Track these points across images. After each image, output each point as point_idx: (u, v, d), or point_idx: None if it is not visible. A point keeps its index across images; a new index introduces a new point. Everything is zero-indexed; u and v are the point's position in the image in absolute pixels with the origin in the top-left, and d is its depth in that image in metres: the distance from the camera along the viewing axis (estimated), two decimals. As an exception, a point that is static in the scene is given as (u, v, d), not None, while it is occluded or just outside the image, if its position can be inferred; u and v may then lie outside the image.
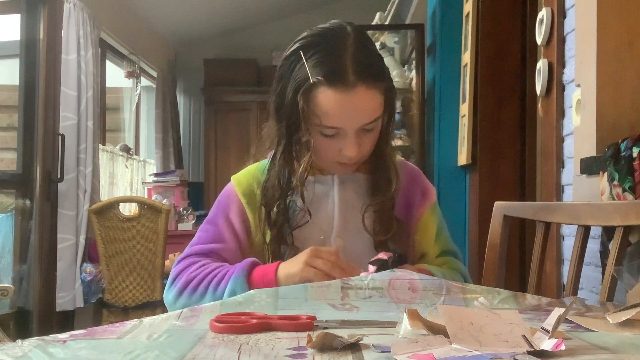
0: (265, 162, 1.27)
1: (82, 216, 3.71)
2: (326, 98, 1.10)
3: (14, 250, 3.41)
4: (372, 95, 1.12)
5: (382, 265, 1.02)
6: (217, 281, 1.13)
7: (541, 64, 1.96)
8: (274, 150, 1.23)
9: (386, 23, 4.45)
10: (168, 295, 1.18)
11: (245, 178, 1.27)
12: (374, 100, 1.13)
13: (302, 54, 1.13)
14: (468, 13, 3.08)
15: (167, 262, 3.80)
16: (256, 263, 1.14)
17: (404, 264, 1.05)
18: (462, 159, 3.10)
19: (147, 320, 0.83)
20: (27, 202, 3.39)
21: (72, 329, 0.80)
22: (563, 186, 1.88)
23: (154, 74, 5.72)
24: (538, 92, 2.00)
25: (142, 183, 5.22)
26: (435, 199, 1.31)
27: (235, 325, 0.77)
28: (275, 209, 1.20)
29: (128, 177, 5.09)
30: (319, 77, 1.10)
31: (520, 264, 2.70)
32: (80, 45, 3.82)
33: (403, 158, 1.42)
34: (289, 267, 1.10)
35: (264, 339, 0.73)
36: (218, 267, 1.16)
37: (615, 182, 1.32)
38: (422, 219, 1.26)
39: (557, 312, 0.68)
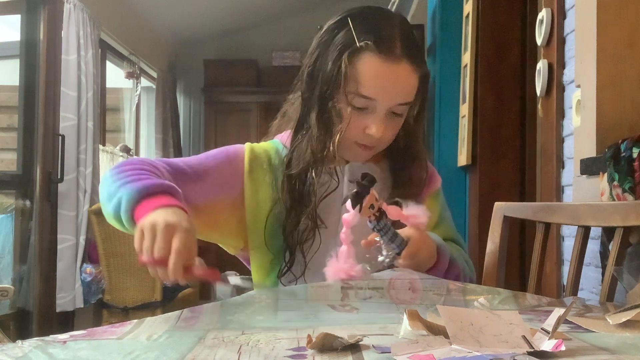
0: (277, 142, 1.23)
1: (82, 217, 3.72)
2: (370, 65, 1.07)
3: (14, 251, 3.41)
4: (412, 74, 1.10)
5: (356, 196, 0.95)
6: (117, 184, 0.99)
7: (541, 65, 1.96)
8: (289, 130, 1.19)
9: (386, 24, 4.45)
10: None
11: (260, 150, 1.20)
12: (412, 81, 1.11)
13: (349, 20, 1.10)
14: (468, 13, 3.08)
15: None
16: (156, 192, 0.96)
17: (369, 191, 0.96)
18: (462, 159, 3.10)
19: (147, 320, 0.83)
20: (27, 202, 3.39)
21: (72, 330, 0.80)
22: (563, 187, 1.88)
23: (154, 74, 5.72)
24: (538, 93, 2.01)
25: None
26: (439, 186, 1.28)
27: None
28: (305, 176, 1.14)
29: (128, 177, 5.09)
30: (368, 42, 1.07)
31: (520, 265, 2.70)
32: (81, 45, 3.82)
33: None
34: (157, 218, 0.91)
35: (264, 340, 0.73)
36: (138, 172, 1.01)
37: (615, 183, 1.32)
38: (424, 205, 1.21)
39: (557, 312, 0.68)
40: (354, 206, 0.95)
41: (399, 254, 0.99)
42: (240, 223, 1.18)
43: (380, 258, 1.00)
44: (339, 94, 1.09)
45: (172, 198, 0.96)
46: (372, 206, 0.95)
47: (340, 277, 0.97)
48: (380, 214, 0.96)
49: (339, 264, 0.98)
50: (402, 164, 1.21)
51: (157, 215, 0.90)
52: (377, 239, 1.00)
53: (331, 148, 1.11)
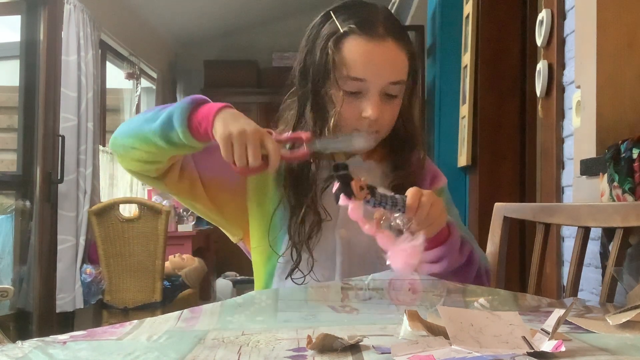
0: None
1: (82, 217, 3.71)
2: (355, 46, 1.10)
3: (13, 252, 3.41)
4: (400, 53, 1.12)
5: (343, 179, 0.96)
6: (157, 110, 1.06)
7: (541, 65, 1.96)
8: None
9: (386, 24, 4.45)
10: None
11: None
12: (401, 59, 1.13)
13: (332, 13, 1.14)
14: (468, 14, 3.08)
15: (167, 264, 3.80)
16: (206, 101, 1.05)
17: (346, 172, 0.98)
18: (462, 160, 3.10)
19: (147, 321, 0.83)
20: (27, 203, 3.39)
21: (72, 330, 0.80)
22: (563, 187, 1.88)
23: (154, 75, 5.72)
24: (538, 94, 2.01)
25: (142, 184, 5.22)
26: (444, 184, 1.28)
27: None
28: (306, 169, 1.16)
29: (128, 178, 5.09)
30: (351, 26, 1.10)
31: (520, 265, 2.70)
32: (81, 46, 3.82)
33: None
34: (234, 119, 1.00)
35: (264, 340, 0.73)
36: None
37: (615, 184, 1.32)
38: None
39: (557, 313, 0.68)
40: (349, 197, 0.96)
41: (405, 212, 0.99)
42: (240, 211, 1.20)
43: (392, 223, 1.00)
44: (330, 82, 1.12)
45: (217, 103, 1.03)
46: (361, 188, 0.96)
47: (411, 263, 0.96)
48: (371, 190, 0.97)
49: (399, 253, 0.97)
50: (407, 157, 1.21)
51: (236, 122, 0.98)
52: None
53: (326, 133, 1.12)
